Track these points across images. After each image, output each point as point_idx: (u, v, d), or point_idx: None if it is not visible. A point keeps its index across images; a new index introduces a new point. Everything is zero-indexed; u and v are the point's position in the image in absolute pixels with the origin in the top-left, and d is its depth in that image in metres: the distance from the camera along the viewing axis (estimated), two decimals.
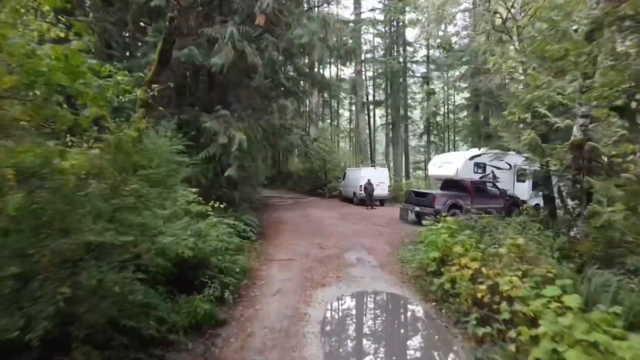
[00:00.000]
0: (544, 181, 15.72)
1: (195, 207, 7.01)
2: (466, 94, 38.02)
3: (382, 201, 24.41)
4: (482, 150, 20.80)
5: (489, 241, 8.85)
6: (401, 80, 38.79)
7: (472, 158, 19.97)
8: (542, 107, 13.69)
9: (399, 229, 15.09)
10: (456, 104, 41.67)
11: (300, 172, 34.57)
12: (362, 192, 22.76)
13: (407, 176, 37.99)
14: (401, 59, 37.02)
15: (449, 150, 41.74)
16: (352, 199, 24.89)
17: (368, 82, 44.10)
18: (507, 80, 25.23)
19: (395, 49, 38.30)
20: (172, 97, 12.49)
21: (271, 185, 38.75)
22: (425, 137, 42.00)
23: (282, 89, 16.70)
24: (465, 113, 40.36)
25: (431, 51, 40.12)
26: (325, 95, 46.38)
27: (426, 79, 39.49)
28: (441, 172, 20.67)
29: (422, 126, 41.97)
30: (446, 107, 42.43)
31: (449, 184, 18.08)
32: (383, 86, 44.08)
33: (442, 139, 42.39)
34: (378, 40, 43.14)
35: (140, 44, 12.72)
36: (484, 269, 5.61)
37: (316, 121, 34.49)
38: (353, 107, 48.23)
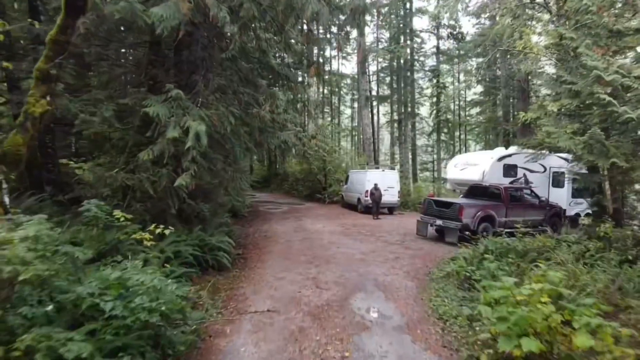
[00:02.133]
0: (600, 188, 12.60)
1: (38, 265, 3.35)
2: (479, 89, 34.81)
3: (391, 209, 21.07)
4: (513, 149, 17.50)
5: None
6: (408, 73, 35.49)
7: (501, 159, 16.66)
8: (601, 92, 10.51)
9: (419, 250, 11.80)
10: (468, 100, 38.30)
11: (297, 174, 31.23)
12: (368, 198, 19.44)
13: (415, 179, 34.62)
14: (408, 50, 33.62)
15: (459, 151, 38.50)
16: (356, 206, 21.54)
17: (371, 76, 40.73)
18: (543, 64, 21.95)
19: (402, 40, 34.89)
20: (113, 76, 9.19)
21: (266, 189, 35.63)
22: (434, 136, 38.65)
23: (272, 74, 13.42)
24: (477, 110, 37.19)
25: (441, 42, 36.82)
26: (326, 89, 43.16)
27: (435, 73, 36.12)
28: (463, 175, 17.36)
29: (431, 123, 38.56)
30: (457, 103, 39.06)
31: (476, 190, 14.78)
32: (387, 81, 40.80)
33: (453, 137, 38.97)
34: (382, 32, 39.92)
35: None
36: None
37: (314, 116, 31.06)
38: (355, 104, 45.05)
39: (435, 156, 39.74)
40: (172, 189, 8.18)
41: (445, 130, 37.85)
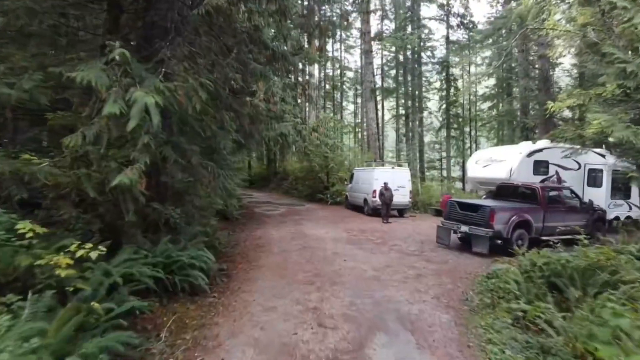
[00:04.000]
0: None
1: None
2: (491, 82, 32.62)
3: (401, 211, 18.82)
4: (542, 143, 15.33)
5: None
6: (415, 65, 33.34)
7: (530, 154, 14.49)
8: None
9: (443, 264, 9.64)
10: (479, 94, 36.05)
11: (297, 173, 29.03)
12: (377, 199, 17.26)
13: (423, 178, 32.43)
14: (417, 39, 31.40)
15: (470, 148, 36.36)
16: (362, 208, 19.36)
17: (375, 70, 38.52)
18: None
19: (410, 29, 32.69)
20: (47, 41, 7.02)
21: (264, 188, 33.61)
22: (442, 132, 36.44)
23: (265, 53, 11.25)
24: (488, 104, 35.02)
25: (450, 32, 34.65)
26: (328, 84, 41.00)
27: (445, 65, 33.87)
28: (487, 173, 15.19)
29: (440, 118, 36.27)
30: (468, 97, 36.80)
31: (505, 191, 12.62)
32: (393, 75, 38.64)
33: (462, 133, 36.66)
34: (386, 22, 37.82)
35: None
36: None
37: (315, 102, 28.73)
38: (358, 100, 43.00)
39: (443, 154, 37.59)
40: (124, 189, 5.99)
41: (455, 125, 35.58)
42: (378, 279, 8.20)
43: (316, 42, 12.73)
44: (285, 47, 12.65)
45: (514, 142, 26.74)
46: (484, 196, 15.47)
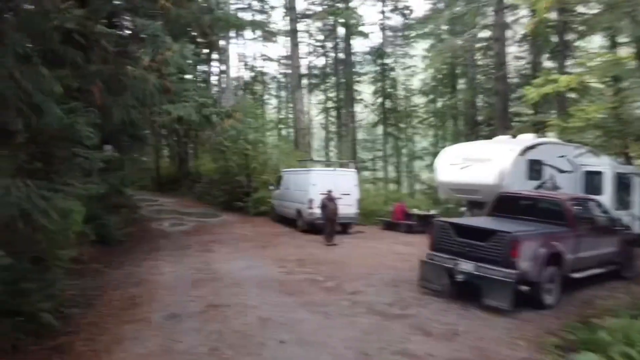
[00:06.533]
0: None
1: None
2: (430, 73, 29.74)
3: (345, 226, 14.46)
4: (527, 138, 11.93)
5: None
6: (347, 54, 29.79)
7: (524, 152, 10.80)
8: None
9: (451, 337, 5.37)
10: (414, 88, 33.21)
11: (211, 174, 23.85)
12: (316, 212, 12.89)
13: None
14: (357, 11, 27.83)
15: (406, 146, 33.28)
16: (295, 221, 14.89)
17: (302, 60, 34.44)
18: None
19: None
20: None
21: (174, 192, 28.29)
22: (378, 129, 33.16)
23: None
24: (424, 99, 32.31)
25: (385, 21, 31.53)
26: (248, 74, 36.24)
27: (379, 52, 30.61)
28: (467, 177, 11.22)
29: (376, 112, 32.82)
30: (403, 91, 33.89)
31: (510, 204, 8.73)
32: (322, 64, 34.75)
33: (399, 130, 33.41)
34: (313, 8, 33.88)
35: None
36: None
37: (229, 83, 23.89)
38: (282, 93, 38.63)
39: (376, 153, 34.31)
40: None
41: (392, 121, 32.27)
42: None
43: None
44: None
45: (459, 140, 23.69)
46: (463, 209, 11.72)
